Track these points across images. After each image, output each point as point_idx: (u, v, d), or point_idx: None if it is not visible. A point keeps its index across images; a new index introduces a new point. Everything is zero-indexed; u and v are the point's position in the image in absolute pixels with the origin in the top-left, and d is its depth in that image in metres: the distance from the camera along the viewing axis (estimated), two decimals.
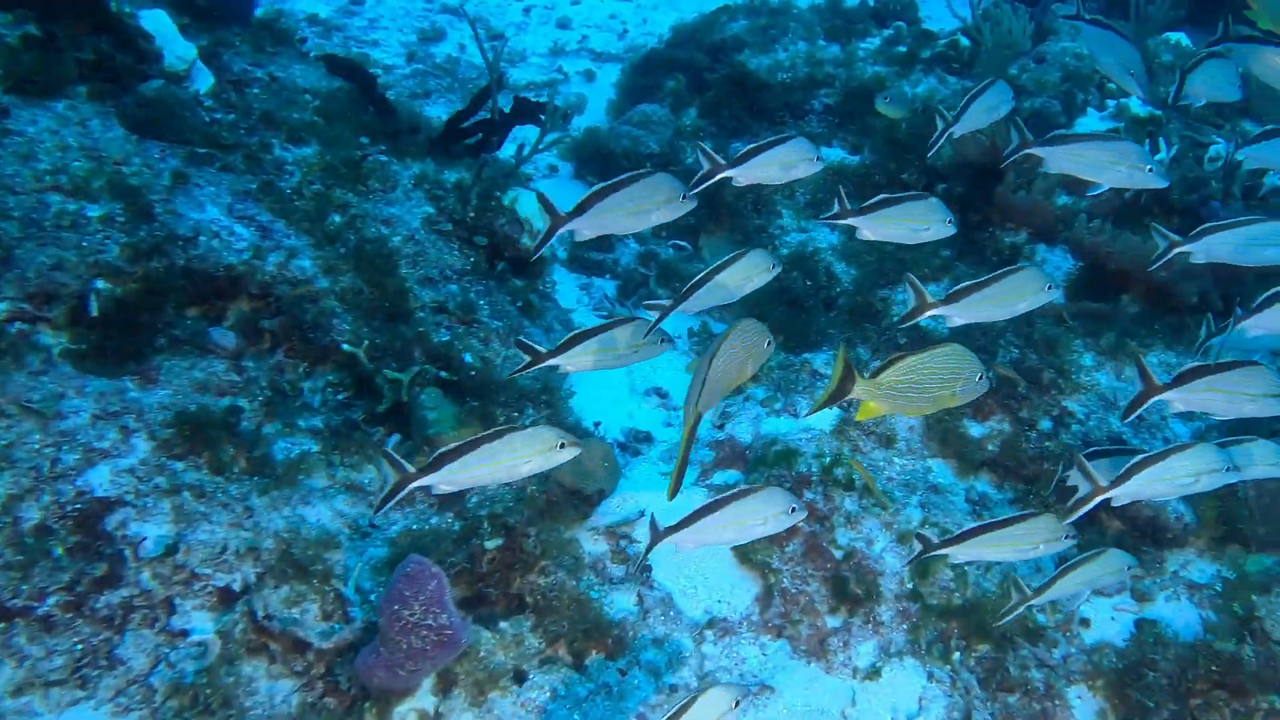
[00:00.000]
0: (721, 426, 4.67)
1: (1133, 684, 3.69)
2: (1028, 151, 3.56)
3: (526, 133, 5.24)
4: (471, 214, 4.43)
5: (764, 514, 2.94)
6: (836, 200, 3.34)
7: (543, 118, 5.02)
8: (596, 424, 4.43)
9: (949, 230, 3.44)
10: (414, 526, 3.36)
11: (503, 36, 8.36)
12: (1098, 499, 3.07)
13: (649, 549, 2.90)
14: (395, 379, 3.59)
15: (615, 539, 4.00)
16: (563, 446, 2.73)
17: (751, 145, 3.30)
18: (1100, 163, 3.56)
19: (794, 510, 2.99)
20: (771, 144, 3.29)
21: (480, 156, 4.74)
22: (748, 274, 3.16)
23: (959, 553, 3.16)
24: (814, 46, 6.82)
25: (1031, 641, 3.79)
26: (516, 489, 3.65)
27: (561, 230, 2.97)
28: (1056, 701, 3.65)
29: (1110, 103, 7.02)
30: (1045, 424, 4.33)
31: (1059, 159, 3.59)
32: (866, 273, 5.17)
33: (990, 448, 4.29)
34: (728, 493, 2.93)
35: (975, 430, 4.35)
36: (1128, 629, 3.97)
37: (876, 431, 4.40)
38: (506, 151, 5.33)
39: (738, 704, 2.59)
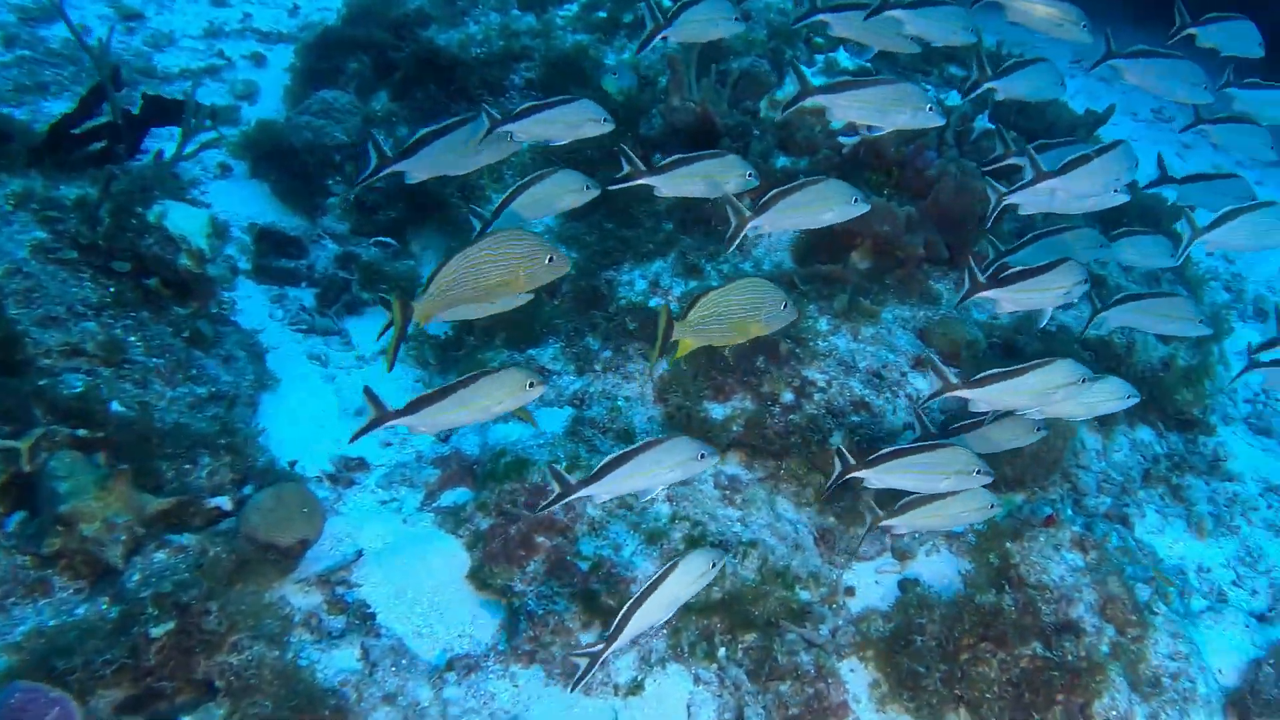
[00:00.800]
0: (446, 439, 4.40)
1: (902, 650, 3.75)
2: (814, 101, 3.68)
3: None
4: (104, 236, 3.89)
5: (670, 461, 3.09)
6: (624, 160, 3.49)
7: (188, 117, 4.52)
8: (293, 463, 4.04)
9: (753, 183, 3.63)
10: (50, 623, 2.86)
11: (140, 16, 7.52)
12: (947, 394, 3.33)
13: (555, 501, 3.04)
14: (9, 447, 3.06)
15: (330, 587, 3.71)
16: (531, 385, 3.00)
17: (533, 103, 3.49)
18: (882, 106, 3.72)
19: (703, 456, 3.14)
20: (555, 103, 3.47)
21: (106, 167, 4.17)
22: (557, 192, 3.37)
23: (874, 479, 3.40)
24: (508, 17, 6.62)
25: (798, 622, 3.77)
26: (195, 555, 3.24)
27: (391, 170, 3.30)
28: (829, 680, 3.66)
29: (819, 57, 7.26)
30: (787, 396, 4.33)
31: (842, 105, 3.71)
32: (589, 255, 5.02)
33: (735, 428, 4.25)
34: (635, 445, 3.08)
35: (717, 412, 4.29)
36: (893, 592, 4.05)
37: (613, 428, 4.26)
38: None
39: (714, 565, 2.98)
